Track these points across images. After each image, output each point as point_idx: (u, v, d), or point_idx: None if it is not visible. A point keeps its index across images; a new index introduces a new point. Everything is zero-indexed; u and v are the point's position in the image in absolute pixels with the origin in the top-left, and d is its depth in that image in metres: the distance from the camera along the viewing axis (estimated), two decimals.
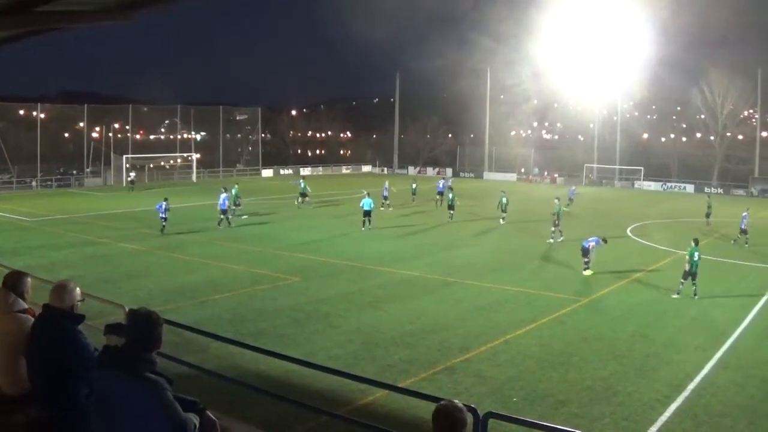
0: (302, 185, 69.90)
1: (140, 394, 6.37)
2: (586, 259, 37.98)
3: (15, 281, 9.53)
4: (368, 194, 53.80)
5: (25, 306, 9.25)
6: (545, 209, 58.99)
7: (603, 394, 19.87)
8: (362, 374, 17.14)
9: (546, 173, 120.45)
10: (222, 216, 53.65)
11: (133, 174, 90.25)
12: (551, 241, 48.35)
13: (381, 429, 12.37)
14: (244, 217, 57.89)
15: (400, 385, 17.55)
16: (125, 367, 6.47)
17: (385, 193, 68.66)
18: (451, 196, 62.03)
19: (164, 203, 49.57)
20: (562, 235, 49.02)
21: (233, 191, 59.02)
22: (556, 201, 50.44)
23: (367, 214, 52.87)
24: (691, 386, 20.62)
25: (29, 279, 9.75)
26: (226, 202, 54.05)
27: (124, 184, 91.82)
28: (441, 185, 73.84)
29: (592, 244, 37.98)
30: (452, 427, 6.28)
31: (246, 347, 15.74)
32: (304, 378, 18.66)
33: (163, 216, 49.24)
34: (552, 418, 17.23)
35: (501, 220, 58.90)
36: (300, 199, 69.07)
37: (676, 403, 19.28)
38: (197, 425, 6.87)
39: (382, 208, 65.45)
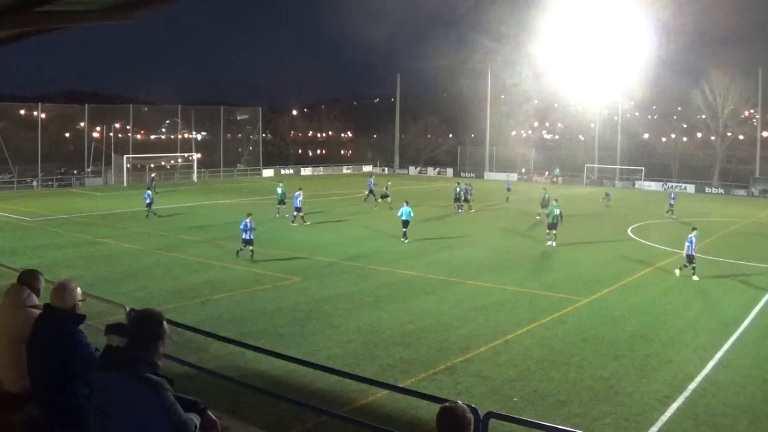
0: (386, 187, 70.25)
1: (141, 395, 6.36)
2: (693, 264, 37.52)
3: (31, 278, 9.65)
4: (407, 203, 49.76)
5: (37, 302, 9.30)
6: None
7: (603, 394, 19.87)
8: (362, 374, 17.15)
9: (547, 173, 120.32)
10: (298, 213, 54.90)
11: (153, 175, 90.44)
12: (550, 244, 47.49)
13: (381, 429, 12.37)
14: (278, 215, 58.27)
15: (400, 385, 17.54)
16: (126, 368, 6.46)
17: (466, 194, 68.56)
18: (459, 189, 66.80)
19: (248, 221, 40.19)
20: (555, 238, 47.75)
21: (279, 190, 59.81)
22: (554, 202, 49.84)
23: (406, 224, 48.30)
24: (692, 386, 20.62)
25: (43, 278, 9.81)
26: (299, 199, 55.00)
27: (125, 183, 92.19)
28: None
29: (693, 246, 37.51)
30: (457, 428, 6.31)
31: (246, 347, 15.73)
32: (305, 378, 18.73)
33: (248, 237, 40.00)
34: (552, 418, 17.24)
35: (537, 216, 59.30)
36: (381, 200, 69.45)
37: (676, 403, 19.28)
38: (198, 425, 6.87)
39: (460, 211, 66.66)
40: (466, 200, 68.01)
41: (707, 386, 20.74)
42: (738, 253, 45.55)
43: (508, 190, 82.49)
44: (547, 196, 60.68)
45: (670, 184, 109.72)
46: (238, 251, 40.21)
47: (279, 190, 59.72)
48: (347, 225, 55.46)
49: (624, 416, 18.34)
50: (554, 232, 47.63)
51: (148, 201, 56.95)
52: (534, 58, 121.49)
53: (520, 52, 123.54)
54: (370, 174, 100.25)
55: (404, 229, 48.20)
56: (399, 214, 48.97)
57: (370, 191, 73.39)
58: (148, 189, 57.59)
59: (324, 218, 59.17)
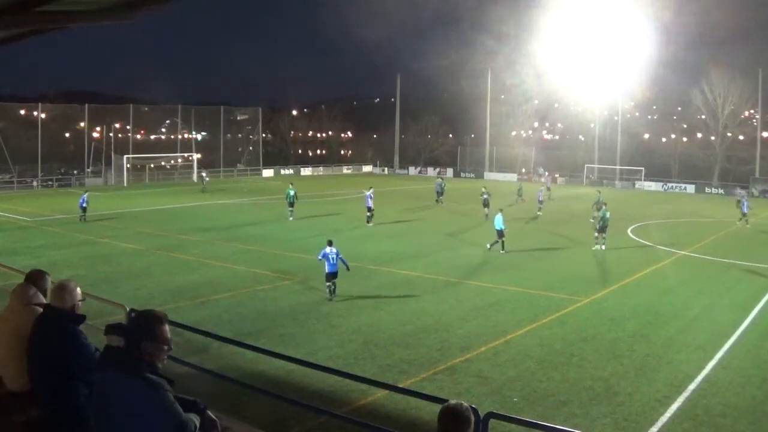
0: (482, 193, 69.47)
1: (141, 395, 6.36)
2: None
3: (37, 277, 9.73)
4: (501, 210, 45.92)
5: (44, 301, 9.32)
6: (545, 209, 59.40)
7: (603, 394, 19.86)
8: (362, 374, 17.23)
9: (547, 173, 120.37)
10: (369, 213, 55.62)
11: (204, 174, 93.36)
12: (596, 248, 46.32)
13: (381, 429, 12.37)
14: (290, 219, 57.98)
15: (400, 385, 17.58)
16: (126, 368, 6.46)
17: (541, 197, 68.58)
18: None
19: (329, 249, 30.97)
20: (604, 242, 46.53)
21: (292, 192, 59.14)
22: (603, 206, 48.65)
23: (500, 234, 44.41)
24: (692, 386, 20.60)
25: (49, 278, 9.86)
26: (371, 200, 55.86)
27: (125, 183, 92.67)
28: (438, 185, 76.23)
29: None
30: (458, 428, 6.33)
31: (246, 347, 15.75)
32: (305, 378, 18.73)
33: (330, 270, 30.70)
34: (552, 418, 17.22)
35: (591, 219, 58.56)
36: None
37: (676, 403, 19.26)
38: (198, 425, 6.87)
39: (539, 213, 66.26)
40: (540, 201, 67.87)
41: (707, 387, 20.73)
42: (738, 253, 45.52)
43: (548, 189, 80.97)
44: (600, 198, 59.67)
45: (670, 185, 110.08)
46: (331, 292, 30.86)
47: (291, 192, 59.01)
48: (347, 224, 55.43)
49: (624, 416, 18.34)
50: (603, 235, 46.50)
51: (83, 205, 55.78)
52: (534, 58, 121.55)
53: (521, 52, 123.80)
54: (438, 176, 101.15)
55: (498, 239, 44.60)
56: (495, 224, 45.03)
57: (438, 193, 74.19)
58: (85, 192, 57.16)
59: (323, 218, 59.10)
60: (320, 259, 31.15)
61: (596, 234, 47.04)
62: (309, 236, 48.33)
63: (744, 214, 61.69)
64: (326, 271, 30.86)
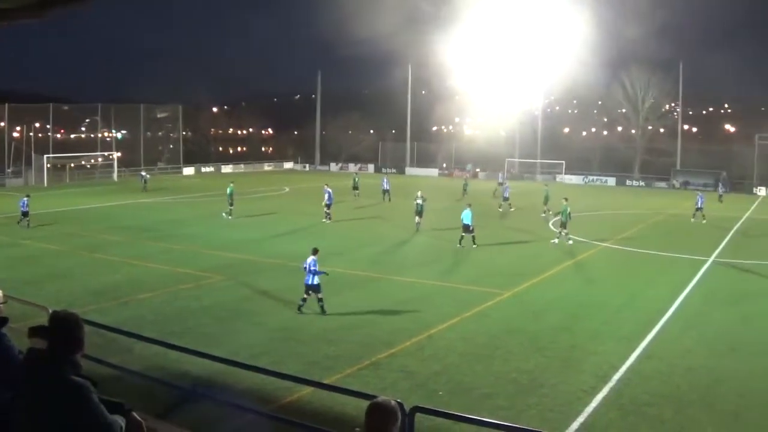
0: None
1: (65, 397, 6.29)
2: None
3: None
4: (470, 205, 46.59)
5: None
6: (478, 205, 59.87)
7: (528, 386, 20.07)
8: (287, 372, 17.18)
9: (468, 168, 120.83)
10: (328, 210, 56.23)
11: (144, 173, 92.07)
12: (555, 241, 46.82)
13: (307, 426, 12.38)
14: (229, 218, 57.24)
15: (325, 382, 17.61)
16: (50, 370, 6.39)
17: (507, 194, 67.39)
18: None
19: (311, 260, 28.69)
20: (568, 236, 46.52)
21: (228, 190, 58.39)
22: (563, 201, 48.01)
23: (467, 229, 44.62)
24: (617, 376, 20.95)
25: None
26: (329, 196, 56.61)
27: (45, 183, 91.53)
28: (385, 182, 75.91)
29: None
30: (386, 423, 6.34)
31: (170, 347, 15.70)
32: (230, 377, 18.59)
33: (311, 282, 28.36)
34: (478, 411, 17.24)
35: (542, 214, 60.63)
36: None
37: (601, 393, 19.55)
38: (123, 427, 6.81)
39: (500, 209, 65.74)
40: (505, 199, 66.50)
41: (632, 376, 21.08)
42: (660, 244, 46.27)
43: (500, 184, 78.27)
44: (548, 193, 62.02)
45: (590, 177, 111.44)
46: (300, 306, 28.55)
47: (228, 190, 58.32)
48: (271, 223, 55.38)
49: (549, 407, 18.54)
50: (565, 231, 46.66)
51: (23, 209, 53.38)
52: (455, 54, 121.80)
53: (441, 47, 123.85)
54: (356, 173, 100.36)
55: (464, 234, 44.55)
56: (461, 217, 45.15)
57: (386, 191, 73.80)
58: (26, 196, 55.80)
59: (247, 216, 58.72)
60: (302, 269, 28.67)
61: (558, 229, 47.60)
62: (234, 235, 48.15)
63: (698, 209, 60.30)
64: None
